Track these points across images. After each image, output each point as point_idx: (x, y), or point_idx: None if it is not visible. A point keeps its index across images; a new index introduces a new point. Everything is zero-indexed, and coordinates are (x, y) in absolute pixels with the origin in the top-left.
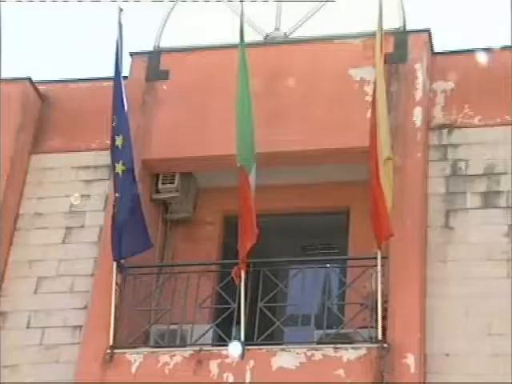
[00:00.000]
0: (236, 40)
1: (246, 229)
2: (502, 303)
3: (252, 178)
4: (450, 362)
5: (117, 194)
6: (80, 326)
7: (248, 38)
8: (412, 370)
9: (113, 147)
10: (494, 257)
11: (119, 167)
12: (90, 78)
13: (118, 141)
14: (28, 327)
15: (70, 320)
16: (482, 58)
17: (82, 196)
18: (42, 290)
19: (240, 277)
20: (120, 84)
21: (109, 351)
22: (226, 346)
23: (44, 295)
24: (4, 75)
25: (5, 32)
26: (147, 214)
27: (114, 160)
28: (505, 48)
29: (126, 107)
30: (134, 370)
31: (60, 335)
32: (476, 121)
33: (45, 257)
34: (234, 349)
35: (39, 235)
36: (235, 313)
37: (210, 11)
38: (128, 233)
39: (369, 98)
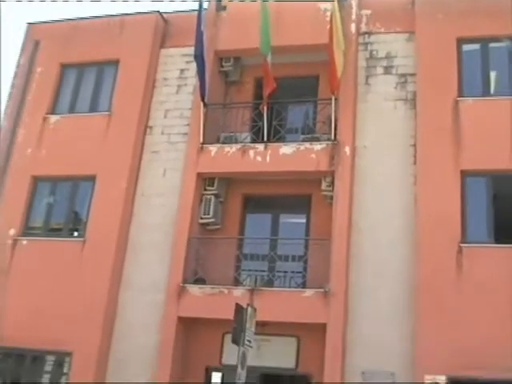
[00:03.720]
0: None
1: (267, 84)
2: (391, 118)
3: (269, 59)
4: (365, 151)
5: (196, 69)
6: (186, 133)
7: None
8: (347, 153)
9: (195, 44)
10: (390, 99)
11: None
12: (188, 9)
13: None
14: (162, 133)
15: (182, 130)
16: None
17: (184, 70)
18: (167, 115)
19: (263, 109)
20: (201, 13)
21: (200, 145)
22: (259, 143)
23: (168, 118)
24: (144, 10)
25: None
26: (217, 79)
27: (196, 51)
28: None
29: (203, 25)
30: (212, 154)
31: (177, 138)
32: (382, 30)
33: (168, 100)
34: None
35: (165, 89)
36: (262, 127)
37: None
38: (202, 87)
39: (328, 19)
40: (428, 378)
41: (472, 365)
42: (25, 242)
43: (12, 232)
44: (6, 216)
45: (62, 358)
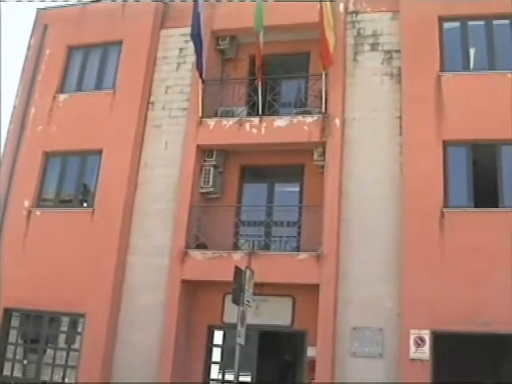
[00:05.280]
0: None
1: (259, 60)
2: (378, 91)
3: (261, 37)
4: (354, 123)
5: (194, 47)
6: (185, 108)
7: None
8: (338, 125)
9: (192, 24)
10: (377, 74)
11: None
12: None
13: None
14: (163, 109)
15: (181, 105)
16: None
17: (183, 48)
18: (168, 91)
19: (258, 83)
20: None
21: (199, 119)
22: (255, 116)
23: (169, 94)
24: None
25: None
26: (214, 57)
27: (192, 30)
28: None
29: (200, 7)
30: (211, 127)
31: (178, 112)
32: (368, 10)
33: (168, 76)
34: None
35: (165, 67)
36: (257, 101)
37: None
38: (200, 64)
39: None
40: (413, 332)
41: (453, 320)
42: (38, 213)
43: (26, 204)
44: (21, 189)
45: (76, 318)
